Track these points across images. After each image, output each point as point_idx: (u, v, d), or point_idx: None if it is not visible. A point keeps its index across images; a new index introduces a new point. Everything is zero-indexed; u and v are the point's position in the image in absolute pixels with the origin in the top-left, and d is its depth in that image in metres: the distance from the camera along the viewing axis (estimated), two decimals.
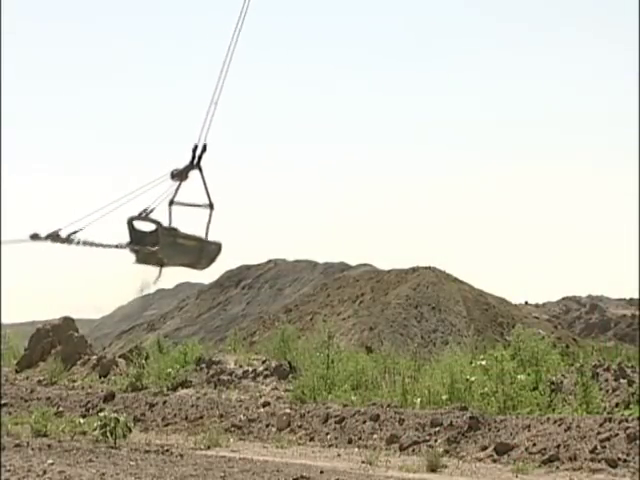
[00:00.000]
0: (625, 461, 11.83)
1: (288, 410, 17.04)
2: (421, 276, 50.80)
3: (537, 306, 69.57)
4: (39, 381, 25.32)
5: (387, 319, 44.92)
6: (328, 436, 15.59)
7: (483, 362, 16.42)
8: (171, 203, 7.31)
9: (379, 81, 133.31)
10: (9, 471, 10.90)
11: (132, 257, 7.37)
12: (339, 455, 14.23)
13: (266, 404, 18.15)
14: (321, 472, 11.78)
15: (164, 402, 19.71)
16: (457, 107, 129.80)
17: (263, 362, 22.23)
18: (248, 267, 79.53)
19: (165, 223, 7.22)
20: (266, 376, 21.34)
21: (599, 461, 11.97)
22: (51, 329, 29.14)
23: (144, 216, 7.30)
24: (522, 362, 17.25)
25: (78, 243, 7.11)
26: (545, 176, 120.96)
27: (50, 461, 12.05)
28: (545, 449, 12.67)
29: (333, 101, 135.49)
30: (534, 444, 12.91)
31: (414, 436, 14.43)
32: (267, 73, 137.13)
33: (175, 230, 7.33)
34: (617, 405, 15.54)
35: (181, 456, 13.56)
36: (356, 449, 14.59)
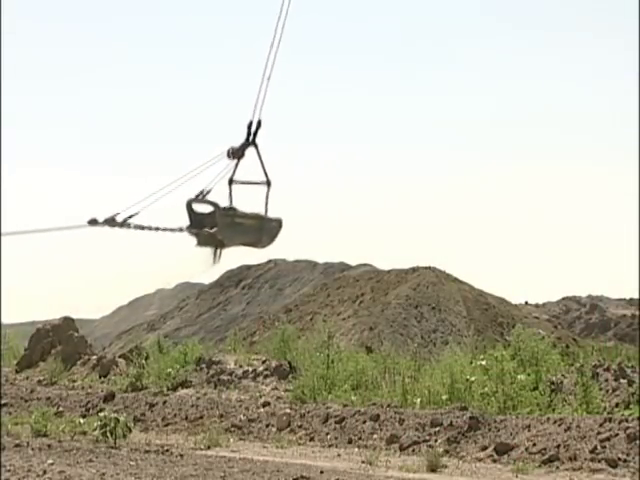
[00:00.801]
0: (625, 461, 11.83)
1: (288, 410, 17.04)
2: (421, 276, 50.77)
3: (537, 306, 69.54)
4: (39, 381, 25.32)
5: (387, 319, 44.91)
6: (328, 436, 15.59)
7: (483, 362, 16.41)
8: (230, 182, 7.24)
9: (379, 81, 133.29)
10: (9, 471, 10.91)
11: (180, 242, 7.29)
12: (339, 455, 14.24)
13: (266, 404, 18.15)
14: (321, 472, 11.79)
15: (164, 402, 19.71)
16: (457, 107, 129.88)
17: (263, 362, 22.23)
18: (248, 267, 79.48)
19: (225, 203, 7.15)
20: (266, 376, 21.34)
21: (599, 461, 11.97)
22: (51, 329, 29.14)
23: (201, 198, 7.25)
24: (522, 362, 17.25)
25: (135, 227, 7.08)
26: (545, 176, 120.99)
27: (50, 461, 12.05)
28: (545, 449, 12.68)
29: (334, 101, 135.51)
30: (534, 444, 12.92)
31: (414, 436, 14.43)
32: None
33: (233, 210, 7.26)
34: (617, 405, 15.54)
35: (181, 456, 13.56)
36: (356, 449, 14.59)
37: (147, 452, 13.95)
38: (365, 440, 14.99)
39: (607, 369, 17.19)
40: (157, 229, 7.30)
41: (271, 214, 7.34)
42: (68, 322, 29.62)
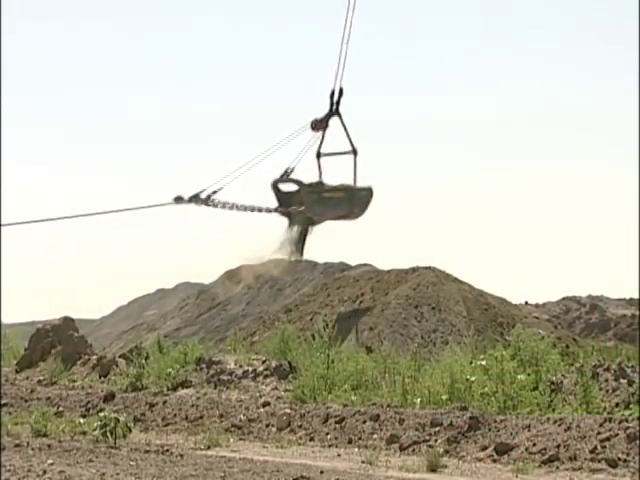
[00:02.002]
0: (625, 461, 11.83)
1: (288, 410, 17.05)
2: (421, 276, 50.72)
3: (537, 306, 69.48)
4: (39, 381, 25.32)
5: (387, 319, 44.88)
6: (328, 436, 15.59)
7: (483, 362, 16.42)
8: (318, 155, 7.14)
9: (379, 81, 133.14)
10: (9, 471, 10.91)
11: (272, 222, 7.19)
12: (339, 455, 14.24)
13: (266, 404, 18.15)
14: (321, 472, 11.79)
15: (164, 402, 19.71)
16: (457, 107, 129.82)
17: (263, 362, 22.23)
18: (248, 267, 79.30)
19: (314, 177, 7.03)
20: (266, 376, 21.34)
21: (599, 461, 11.97)
22: (51, 329, 29.16)
23: (286, 177, 7.16)
24: (522, 362, 17.25)
25: (222, 207, 6.99)
26: (545, 176, 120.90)
27: (50, 461, 12.05)
28: (545, 449, 12.68)
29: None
30: (534, 444, 12.92)
31: (414, 436, 14.43)
32: (265, 73, 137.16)
33: (320, 185, 7.16)
34: (617, 405, 15.54)
35: (181, 456, 13.56)
36: (356, 449, 14.59)
37: (147, 452, 13.95)
38: (365, 440, 15.00)
39: (607, 369, 17.19)
40: (245, 209, 7.18)
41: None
42: (68, 322, 29.64)
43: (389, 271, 55.06)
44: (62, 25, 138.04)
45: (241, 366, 22.18)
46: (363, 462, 13.17)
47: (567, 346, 36.31)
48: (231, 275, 49.54)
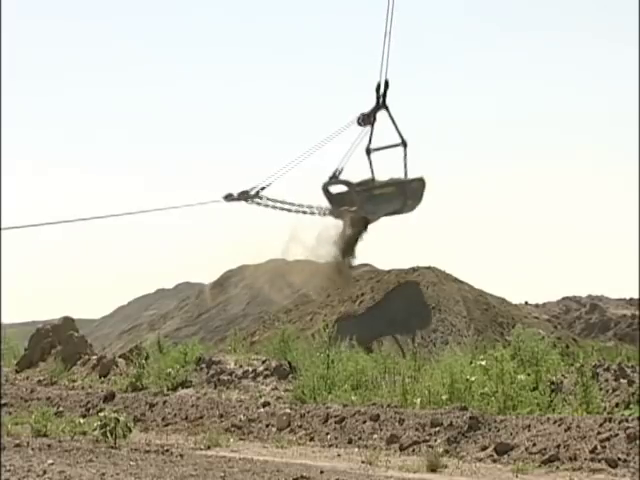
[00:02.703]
0: (625, 461, 11.83)
1: (288, 410, 17.05)
2: (421, 276, 50.70)
3: (537, 306, 69.39)
4: (39, 381, 25.34)
5: (387, 319, 44.81)
6: (328, 436, 15.59)
7: (483, 362, 16.42)
8: (368, 151, 7.11)
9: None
10: (9, 471, 10.90)
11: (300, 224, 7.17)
12: (339, 455, 14.24)
13: (266, 404, 18.15)
14: (321, 472, 11.78)
15: (164, 402, 19.71)
16: (457, 107, 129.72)
17: (263, 362, 22.24)
18: (248, 267, 79.35)
19: (366, 174, 6.99)
20: (266, 376, 21.35)
21: (599, 461, 11.97)
22: (51, 329, 29.19)
23: (335, 179, 7.14)
24: (522, 362, 17.26)
25: (274, 206, 6.96)
26: (545, 176, 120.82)
27: (50, 461, 12.04)
28: (545, 449, 12.68)
29: (335, 101, 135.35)
30: (534, 444, 12.92)
31: (414, 436, 14.43)
32: (263, 73, 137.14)
33: (370, 182, 7.12)
34: (617, 405, 15.54)
35: (181, 456, 13.56)
36: (356, 449, 14.59)
37: (147, 452, 13.94)
38: (365, 440, 15.00)
39: (607, 369, 17.20)
40: (297, 211, 7.14)
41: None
42: (68, 322, 29.67)
43: (389, 271, 55.01)
44: (63, 25, 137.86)
45: (241, 366, 22.19)
46: (363, 462, 13.18)
47: (567, 346, 36.24)
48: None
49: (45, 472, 10.89)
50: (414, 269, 53.17)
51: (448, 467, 12.57)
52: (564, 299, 74.74)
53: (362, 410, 16.12)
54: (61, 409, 20.27)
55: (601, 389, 16.12)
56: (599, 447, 12.26)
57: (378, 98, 7.05)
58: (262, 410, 17.67)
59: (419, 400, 16.49)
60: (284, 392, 19.82)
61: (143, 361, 23.16)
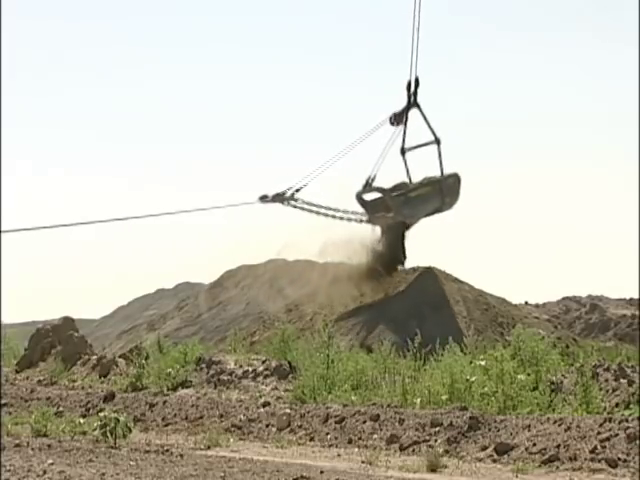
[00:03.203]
0: (625, 461, 11.83)
1: (288, 410, 17.04)
2: (421, 276, 50.68)
3: (537, 306, 69.33)
4: (39, 381, 25.34)
5: (387, 319, 44.80)
6: (328, 436, 15.58)
7: (483, 362, 16.41)
8: (403, 152, 7.07)
9: (377, 82, 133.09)
10: (9, 471, 10.90)
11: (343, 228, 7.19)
12: (339, 455, 14.24)
13: (266, 404, 18.15)
14: (321, 472, 11.78)
15: (164, 402, 19.71)
16: (457, 107, 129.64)
17: (263, 362, 22.24)
18: (248, 267, 79.33)
19: (399, 175, 6.97)
20: (266, 376, 21.34)
21: (599, 461, 11.97)
22: (51, 329, 29.20)
23: (368, 187, 7.15)
24: (522, 362, 17.25)
25: (309, 210, 6.95)
26: (545, 176, 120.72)
27: (50, 461, 12.04)
28: (545, 449, 12.67)
29: (336, 101, 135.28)
30: (534, 444, 12.92)
31: (414, 436, 14.43)
32: (261, 73, 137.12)
33: (403, 185, 7.10)
34: (617, 405, 15.54)
35: (181, 456, 13.56)
36: (356, 449, 14.59)
37: (147, 452, 13.94)
38: (365, 440, 14.99)
39: (607, 369, 17.20)
40: (334, 216, 7.10)
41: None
42: (68, 322, 29.69)
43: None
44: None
45: (241, 366, 22.19)
46: (363, 462, 13.17)
47: (567, 346, 36.23)
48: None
49: (45, 472, 10.89)
50: (414, 269, 53.27)
51: (448, 467, 12.57)
52: (564, 299, 74.67)
53: (362, 410, 16.11)
54: (61, 409, 20.26)
55: (601, 389, 16.11)
56: (599, 447, 12.25)
57: (409, 96, 7.07)
58: (262, 410, 17.67)
59: (419, 400, 16.48)
60: (284, 392, 19.82)
61: (143, 361, 23.16)
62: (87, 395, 21.81)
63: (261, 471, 11.76)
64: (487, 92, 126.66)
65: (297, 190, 6.71)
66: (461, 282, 50.84)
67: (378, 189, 6.86)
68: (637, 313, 62.82)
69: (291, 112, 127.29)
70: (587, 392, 15.03)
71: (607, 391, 16.27)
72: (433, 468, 12.36)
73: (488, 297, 50.41)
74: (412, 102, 6.84)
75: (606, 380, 16.75)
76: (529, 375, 16.14)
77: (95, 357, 26.84)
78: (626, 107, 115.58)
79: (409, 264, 53.80)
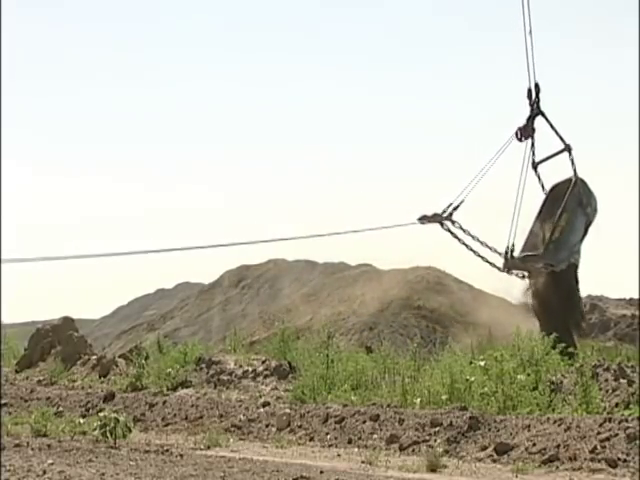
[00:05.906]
0: (625, 461, 11.82)
1: (288, 410, 17.04)
2: (421, 276, 50.82)
3: None
4: (39, 381, 25.34)
5: (387, 319, 44.94)
6: (328, 436, 15.58)
7: (482, 362, 16.41)
8: (535, 166, 6.94)
9: (376, 82, 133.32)
10: (9, 471, 10.90)
11: None
12: (339, 455, 14.23)
13: (266, 404, 18.15)
14: (321, 472, 11.78)
15: (164, 402, 19.71)
16: (457, 107, 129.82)
17: (263, 362, 22.24)
18: (248, 267, 79.43)
19: (534, 190, 6.83)
20: (266, 376, 21.35)
21: (599, 461, 11.96)
22: (51, 329, 29.19)
23: (511, 261, 6.88)
24: (522, 362, 17.23)
25: (459, 241, 6.82)
26: (545, 176, 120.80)
27: (50, 461, 12.04)
28: (545, 449, 12.67)
29: (337, 101, 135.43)
30: (534, 444, 12.91)
31: (414, 436, 14.42)
32: (259, 74, 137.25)
33: (540, 242, 6.90)
34: (617, 405, 15.52)
35: (181, 456, 13.55)
36: (356, 449, 14.59)
37: (147, 452, 13.94)
38: (365, 440, 14.99)
39: (607, 369, 17.17)
40: (494, 265, 6.85)
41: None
42: (68, 322, 29.68)
43: (389, 271, 55.12)
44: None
45: (241, 366, 22.19)
46: (363, 462, 13.17)
47: (567, 346, 36.26)
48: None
49: (45, 472, 10.88)
50: (414, 269, 53.35)
51: (448, 467, 12.56)
52: None
53: (362, 410, 16.11)
54: (61, 409, 20.27)
55: (601, 389, 16.10)
56: (599, 447, 12.25)
57: (532, 105, 6.86)
58: (262, 410, 17.67)
59: (419, 400, 16.48)
60: (284, 392, 19.82)
61: (143, 361, 23.16)
62: (87, 395, 21.81)
63: (261, 471, 11.75)
64: (486, 93, 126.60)
65: (455, 209, 6.47)
66: (461, 282, 51.02)
67: (521, 259, 6.70)
68: (637, 313, 62.86)
69: (291, 112, 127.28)
70: (587, 392, 15.02)
71: (607, 391, 16.25)
72: (433, 468, 12.35)
73: (488, 297, 50.55)
74: (535, 110, 6.71)
75: (606, 380, 16.73)
76: (529, 375, 16.13)
77: (95, 357, 26.85)
78: (626, 107, 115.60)
79: (409, 264, 53.98)
